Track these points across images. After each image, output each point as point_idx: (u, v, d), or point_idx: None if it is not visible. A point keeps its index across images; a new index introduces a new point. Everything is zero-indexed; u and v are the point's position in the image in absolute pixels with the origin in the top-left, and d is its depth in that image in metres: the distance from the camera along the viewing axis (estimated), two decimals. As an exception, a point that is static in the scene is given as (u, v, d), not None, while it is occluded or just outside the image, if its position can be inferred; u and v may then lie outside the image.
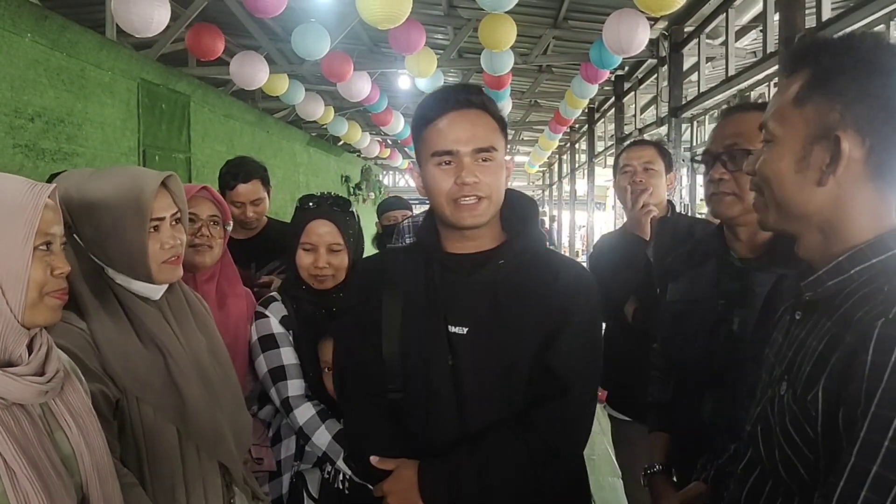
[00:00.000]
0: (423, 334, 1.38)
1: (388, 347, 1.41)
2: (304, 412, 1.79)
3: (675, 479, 1.68)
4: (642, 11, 4.66)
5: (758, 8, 5.32)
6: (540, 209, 1.58)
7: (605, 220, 14.14)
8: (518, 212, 1.46)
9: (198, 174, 6.99)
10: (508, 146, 1.46)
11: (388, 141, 13.93)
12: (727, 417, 1.51)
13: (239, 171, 2.76)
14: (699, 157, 1.67)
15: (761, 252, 1.57)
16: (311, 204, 1.93)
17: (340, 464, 1.74)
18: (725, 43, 5.66)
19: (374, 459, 1.40)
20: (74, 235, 1.38)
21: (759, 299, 1.51)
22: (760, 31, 5.20)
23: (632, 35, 4.90)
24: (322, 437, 1.76)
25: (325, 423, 1.78)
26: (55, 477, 0.99)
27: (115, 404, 1.35)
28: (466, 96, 1.37)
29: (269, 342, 1.88)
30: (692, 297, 1.66)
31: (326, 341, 1.83)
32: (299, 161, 11.18)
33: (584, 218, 12.22)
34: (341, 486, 1.79)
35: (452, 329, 1.37)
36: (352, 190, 14.17)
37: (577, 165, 14.58)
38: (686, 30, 6.44)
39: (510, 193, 1.45)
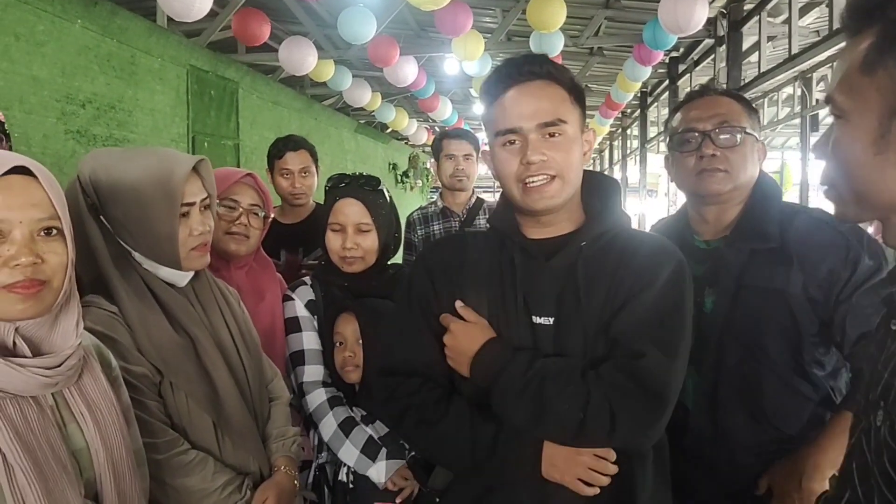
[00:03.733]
0: (505, 327, 1.27)
1: None
2: (315, 398, 1.75)
3: None
4: (700, -12, 4.47)
5: (824, -17, 5.06)
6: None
7: (658, 207, 13.82)
8: (598, 192, 1.34)
9: (246, 160, 7.04)
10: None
11: (436, 128, 13.85)
12: (707, 398, 1.56)
13: (288, 141, 2.80)
14: (684, 136, 1.60)
15: (727, 232, 1.60)
16: (339, 184, 1.87)
17: (341, 454, 1.70)
18: (788, 20, 5.40)
19: (458, 304, 1.30)
20: (101, 217, 1.34)
21: (731, 277, 1.54)
22: (826, 6, 4.93)
23: (690, 13, 4.71)
24: (328, 425, 1.72)
25: (334, 409, 1.73)
26: (59, 472, 0.95)
27: (157, 387, 1.33)
28: (529, 67, 1.25)
29: (292, 325, 1.84)
30: None
31: (347, 315, 1.78)
32: (347, 148, 11.19)
33: (636, 206, 11.95)
34: (345, 479, 1.74)
35: (537, 320, 1.26)
36: (399, 177, 14.15)
37: (628, 151, 14.28)
38: (746, 7, 6.18)
39: (590, 175, 1.33)
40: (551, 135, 1.23)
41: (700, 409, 1.57)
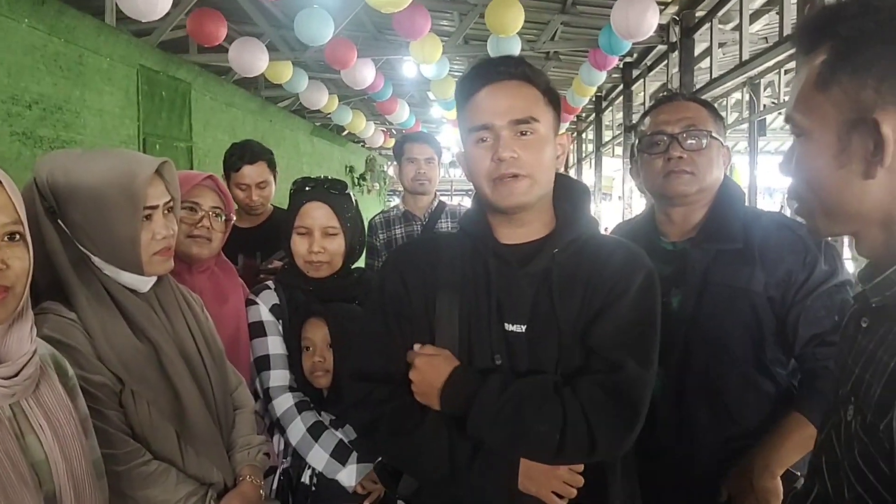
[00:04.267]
0: (477, 335, 1.26)
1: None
2: (282, 403, 1.74)
3: None
4: (653, -5, 4.56)
5: (773, -10, 5.20)
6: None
7: (613, 211, 14.01)
8: (569, 196, 1.34)
9: (199, 163, 6.90)
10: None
11: (393, 130, 13.81)
12: (673, 393, 1.58)
13: (244, 152, 2.70)
14: (652, 139, 1.63)
15: (693, 233, 1.63)
16: (305, 187, 1.84)
17: (310, 458, 1.68)
18: (739, 27, 5.53)
19: (416, 347, 1.27)
20: (59, 221, 1.29)
21: (697, 276, 1.58)
22: (777, 13, 5.07)
23: (641, 19, 4.80)
24: (296, 430, 1.70)
25: (302, 414, 1.72)
26: (19, 485, 0.91)
27: (118, 396, 1.29)
28: (506, 67, 1.25)
29: (256, 330, 1.81)
30: None
31: (316, 320, 1.75)
32: (303, 151, 11.07)
33: (591, 209, 12.10)
34: (307, 482, 1.72)
35: (510, 328, 1.25)
36: (356, 180, 14.08)
37: (584, 155, 14.46)
38: (697, 14, 6.32)
39: (560, 178, 1.33)
40: (523, 133, 1.22)
41: (666, 405, 1.58)
